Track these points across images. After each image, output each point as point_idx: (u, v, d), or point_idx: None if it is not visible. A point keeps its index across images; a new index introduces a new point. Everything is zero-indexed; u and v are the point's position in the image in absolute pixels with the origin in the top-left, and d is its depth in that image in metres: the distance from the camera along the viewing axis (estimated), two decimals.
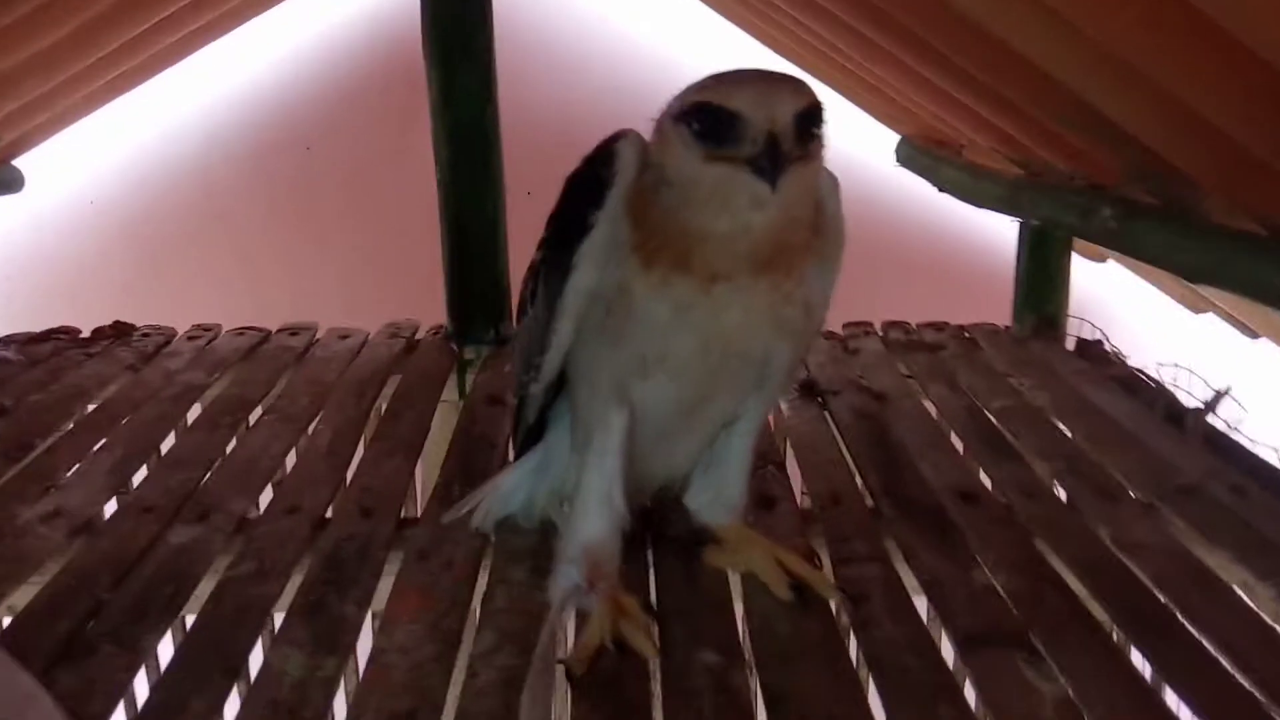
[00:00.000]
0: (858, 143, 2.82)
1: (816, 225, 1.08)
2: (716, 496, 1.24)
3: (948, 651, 1.11)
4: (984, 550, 1.30)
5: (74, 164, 3.02)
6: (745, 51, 2.99)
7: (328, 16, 3.03)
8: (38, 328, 2.13)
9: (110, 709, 1.02)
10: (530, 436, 1.28)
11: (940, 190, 2.48)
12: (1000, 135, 2.15)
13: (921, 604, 1.21)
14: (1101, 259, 2.84)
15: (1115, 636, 1.17)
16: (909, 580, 1.24)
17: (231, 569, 1.26)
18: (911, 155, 2.57)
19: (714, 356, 1.08)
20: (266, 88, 3.05)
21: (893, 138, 2.82)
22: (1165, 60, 1.29)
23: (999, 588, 1.21)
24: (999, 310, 2.28)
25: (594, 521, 1.13)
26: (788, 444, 1.65)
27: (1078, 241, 2.15)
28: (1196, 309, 2.79)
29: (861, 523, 1.36)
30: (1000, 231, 2.81)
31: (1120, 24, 1.28)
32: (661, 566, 1.25)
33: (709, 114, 0.96)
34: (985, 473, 1.54)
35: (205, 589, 1.24)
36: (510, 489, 1.30)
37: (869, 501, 1.45)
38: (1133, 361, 1.98)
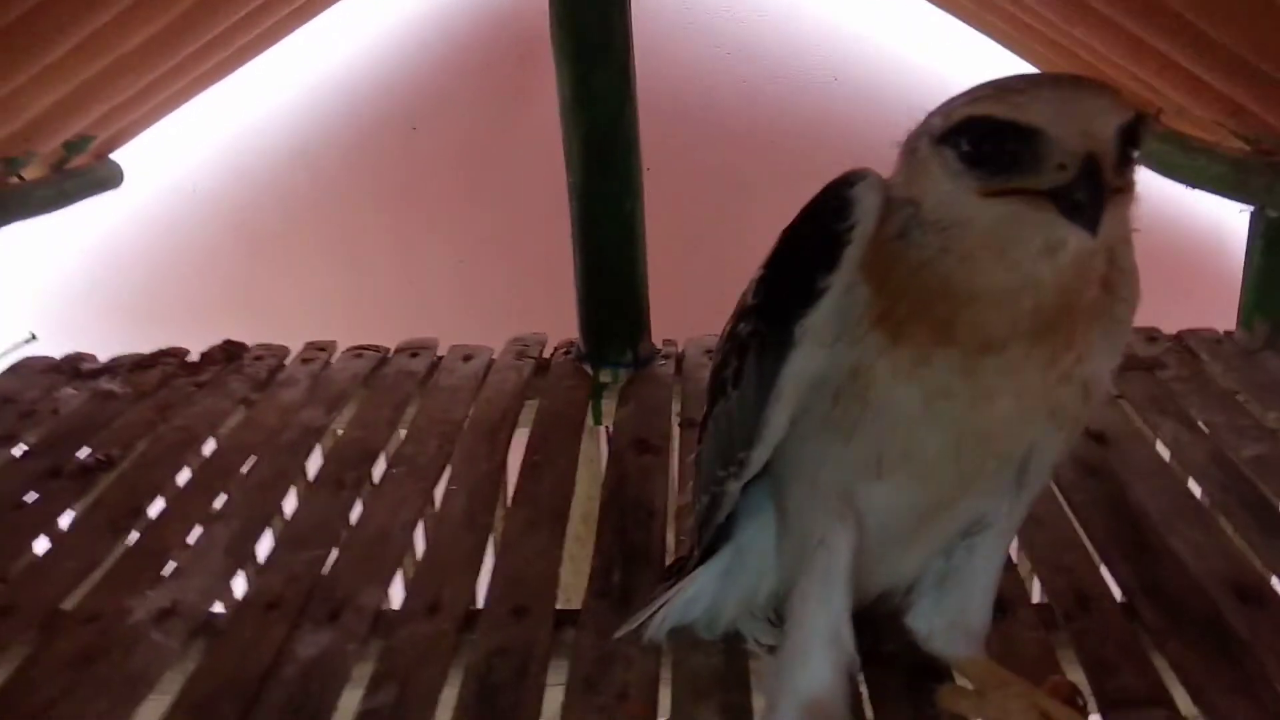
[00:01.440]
0: None
1: (1108, 280, 0.82)
2: (954, 622, 1.00)
3: None
4: None
5: (174, 154, 2.88)
6: (904, 26, 2.65)
7: None
8: (146, 326, 2.00)
9: None
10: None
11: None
12: (1225, 104, 1.81)
13: None
14: None
15: None
16: None
17: (370, 696, 1.08)
18: None
19: (969, 456, 0.84)
20: (367, 66, 2.84)
21: None
22: None
23: None
24: (1212, 311, 1.95)
25: (818, 669, 0.90)
26: None
27: None
28: None
29: (1121, 638, 1.11)
30: (1209, 216, 2.46)
31: None
32: (882, 712, 1.02)
33: (991, 131, 0.71)
34: (1257, 555, 1.26)
35: (343, 717, 1.07)
36: (692, 597, 1.08)
37: (1118, 595, 1.19)
38: None
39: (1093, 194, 0.68)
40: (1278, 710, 0.99)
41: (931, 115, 0.77)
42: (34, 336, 2.90)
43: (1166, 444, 1.52)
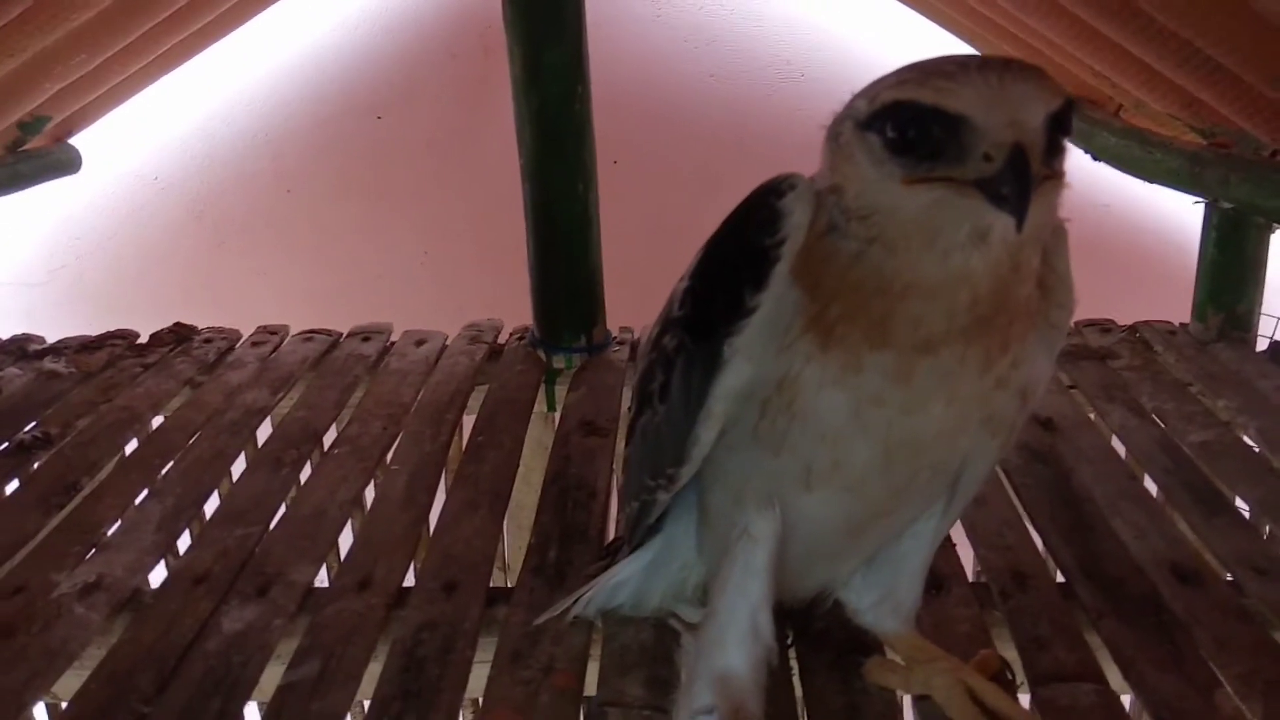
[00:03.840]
0: None
1: (1043, 281, 0.80)
2: (885, 598, 0.98)
3: None
4: (1220, 657, 1.02)
5: (136, 141, 2.85)
6: (870, 22, 2.65)
7: None
8: (107, 314, 1.97)
9: None
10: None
11: (1095, 159, 2.13)
12: (1181, 96, 1.81)
13: None
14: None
15: None
16: (1131, 706, 0.98)
17: (293, 669, 1.05)
18: None
19: (900, 466, 0.82)
20: (332, 53, 2.82)
21: None
22: None
23: None
24: (1166, 303, 1.96)
25: (733, 654, 0.88)
26: None
27: None
28: None
29: (1057, 616, 1.09)
30: (1166, 210, 2.47)
31: None
32: (811, 684, 1.01)
33: (915, 117, 0.68)
34: (1199, 537, 1.25)
35: (264, 686, 1.04)
36: (620, 582, 1.06)
37: (1058, 577, 1.18)
38: None
39: (1019, 186, 0.65)
40: (1206, 685, 0.98)
41: (856, 98, 0.74)
42: None
43: (1115, 431, 1.51)
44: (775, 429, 0.81)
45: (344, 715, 1.00)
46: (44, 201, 2.62)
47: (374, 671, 1.06)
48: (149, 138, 2.86)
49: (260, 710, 1.02)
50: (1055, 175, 0.70)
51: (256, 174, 2.93)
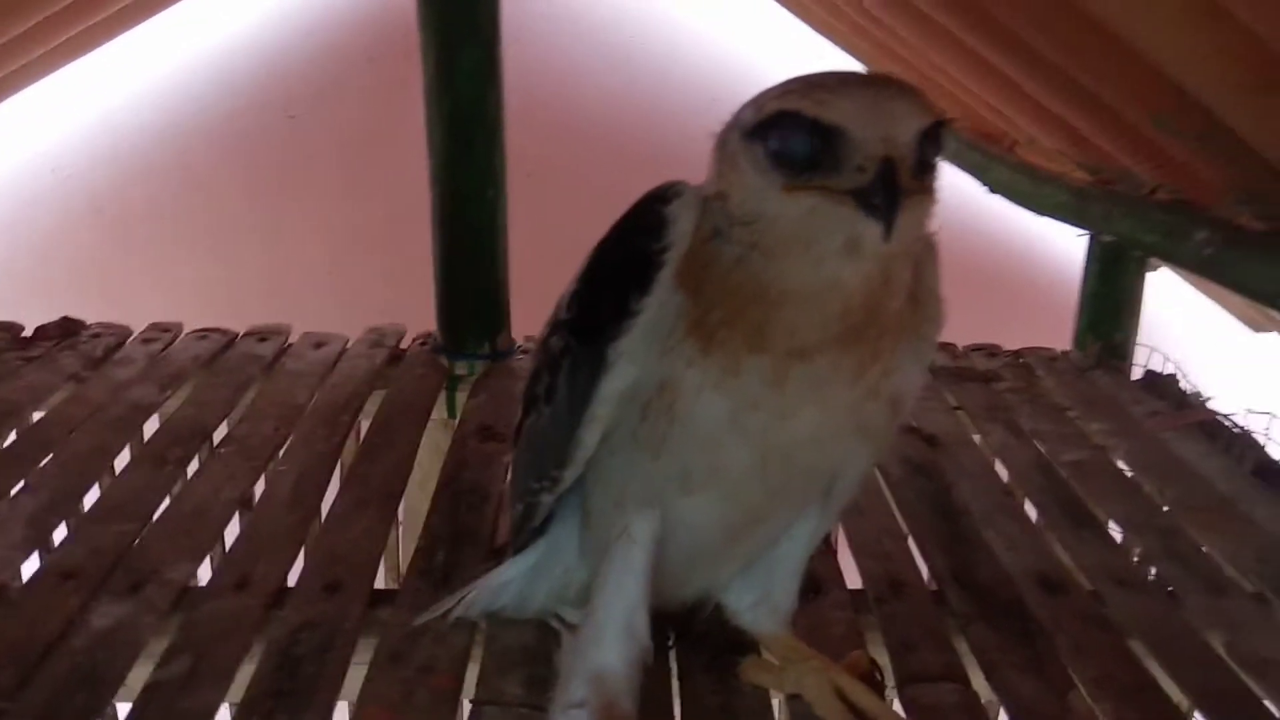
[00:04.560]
0: None
1: (914, 295, 0.83)
2: (762, 599, 1.00)
3: None
4: (1078, 662, 1.07)
5: (34, 130, 2.76)
6: (765, 20, 2.72)
7: None
8: None
9: None
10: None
11: (991, 192, 2.22)
12: (1069, 133, 1.90)
13: None
14: (1154, 267, 2.59)
15: None
16: (992, 706, 1.02)
17: (162, 667, 1.03)
18: (958, 150, 2.31)
19: (775, 471, 0.84)
20: (246, 49, 2.78)
21: None
22: None
23: None
24: (1050, 329, 2.04)
25: (609, 652, 0.89)
26: None
27: None
28: (1258, 327, 2.55)
29: (927, 622, 1.13)
30: (1055, 240, 2.57)
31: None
32: (688, 683, 1.02)
33: (796, 128, 0.71)
34: (1067, 550, 1.31)
35: (131, 685, 1.01)
36: (503, 583, 1.07)
37: (931, 584, 1.23)
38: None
39: (888, 197, 0.68)
40: (1062, 687, 1.02)
41: (744, 108, 0.77)
42: None
43: (995, 449, 1.57)
44: (655, 432, 0.83)
45: (214, 714, 0.97)
46: None
47: (248, 672, 1.04)
48: (50, 127, 2.77)
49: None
50: (925, 190, 0.74)
51: (160, 168, 2.86)
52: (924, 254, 0.85)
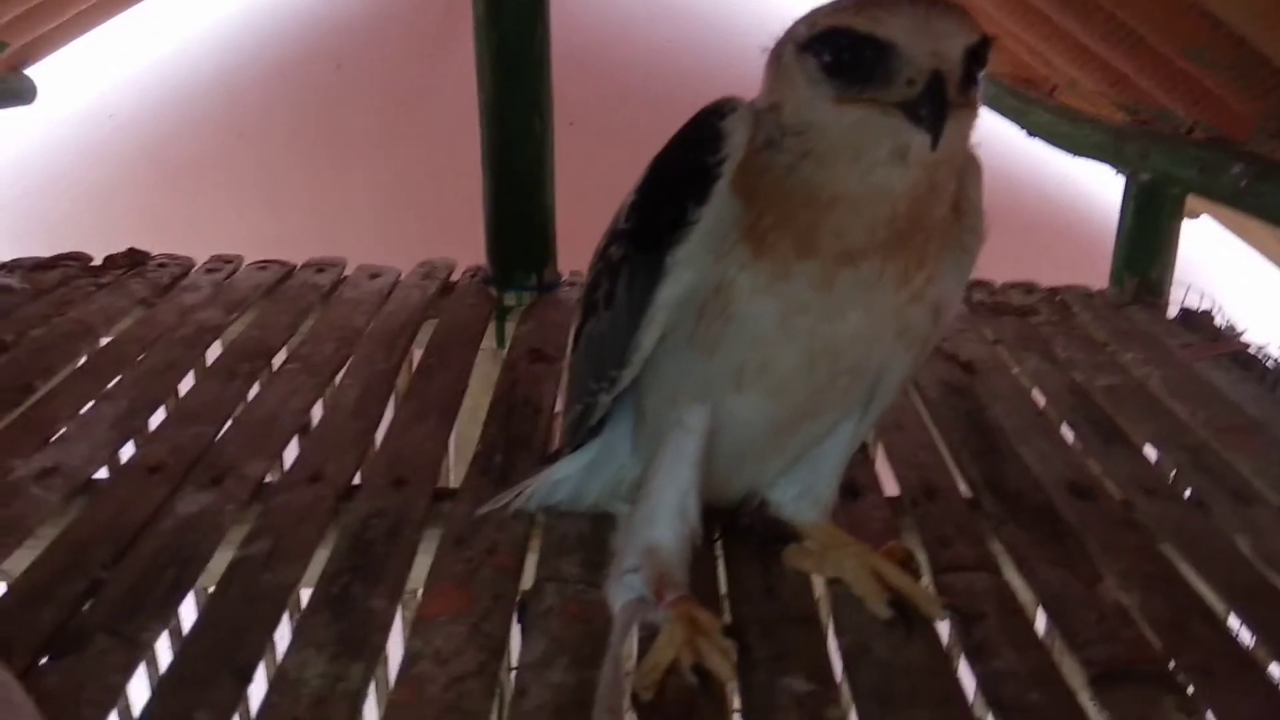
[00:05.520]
0: None
1: (957, 204, 0.88)
2: (804, 491, 1.06)
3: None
4: (1106, 559, 1.12)
5: (92, 78, 2.84)
6: None
7: None
8: (51, 251, 1.98)
9: (101, 718, 0.87)
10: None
11: (1030, 135, 2.25)
12: (1109, 74, 1.92)
13: (1039, 624, 1.04)
14: (1194, 214, 2.60)
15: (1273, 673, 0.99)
16: (1023, 595, 1.07)
17: (244, 547, 1.10)
18: (998, 96, 2.33)
19: (821, 370, 0.90)
20: (294, 3, 2.84)
21: None
22: None
23: (1131, 609, 1.03)
24: (1087, 271, 2.07)
25: (662, 529, 0.96)
26: None
27: None
28: None
29: (962, 521, 1.19)
30: (1093, 183, 2.59)
31: None
32: (734, 569, 1.08)
33: (849, 43, 0.76)
34: (1098, 464, 1.35)
35: (215, 568, 1.09)
36: (559, 479, 1.13)
37: (966, 492, 1.28)
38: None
39: (936, 108, 0.73)
40: (1090, 579, 1.08)
41: (798, 23, 0.81)
42: None
43: (1029, 375, 1.61)
44: (710, 333, 0.89)
45: (293, 588, 1.05)
46: None
47: (322, 556, 1.12)
48: (106, 75, 2.86)
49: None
50: (969, 104, 0.79)
51: (210, 117, 2.94)
52: (967, 167, 0.90)
